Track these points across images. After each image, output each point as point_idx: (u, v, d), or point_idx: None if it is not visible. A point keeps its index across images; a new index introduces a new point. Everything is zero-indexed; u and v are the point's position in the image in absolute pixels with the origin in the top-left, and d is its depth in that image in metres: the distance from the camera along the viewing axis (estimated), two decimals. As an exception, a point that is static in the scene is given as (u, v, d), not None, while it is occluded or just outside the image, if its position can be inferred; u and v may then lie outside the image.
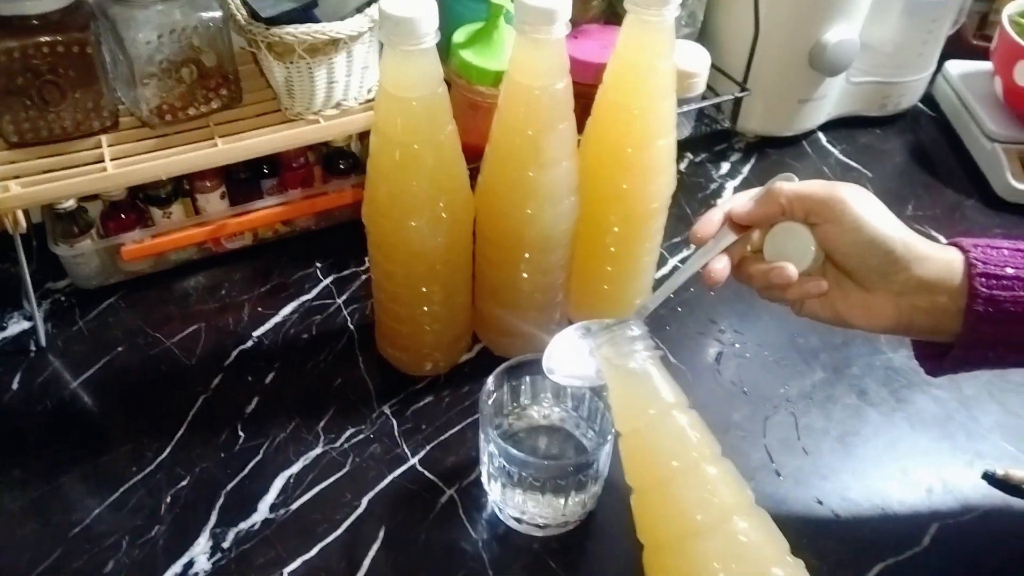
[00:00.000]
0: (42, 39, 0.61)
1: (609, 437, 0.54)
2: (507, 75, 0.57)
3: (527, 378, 0.60)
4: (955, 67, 1.01)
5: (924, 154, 0.98)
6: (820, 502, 0.61)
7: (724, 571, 0.45)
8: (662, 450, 0.48)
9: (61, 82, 0.63)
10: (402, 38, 0.51)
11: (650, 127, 0.61)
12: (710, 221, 0.52)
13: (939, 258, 0.50)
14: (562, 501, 0.55)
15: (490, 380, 0.57)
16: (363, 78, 0.70)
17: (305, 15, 0.64)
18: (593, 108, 0.63)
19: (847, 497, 0.62)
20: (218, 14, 0.65)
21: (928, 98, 1.03)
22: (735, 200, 0.52)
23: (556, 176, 0.59)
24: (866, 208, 0.49)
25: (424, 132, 0.56)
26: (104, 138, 0.67)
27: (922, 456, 0.65)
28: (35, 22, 0.61)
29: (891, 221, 0.50)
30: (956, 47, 1.02)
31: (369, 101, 0.72)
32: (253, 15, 0.64)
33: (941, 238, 0.85)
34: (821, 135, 0.98)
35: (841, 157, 0.96)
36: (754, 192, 0.52)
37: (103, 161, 0.65)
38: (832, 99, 0.96)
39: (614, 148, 0.62)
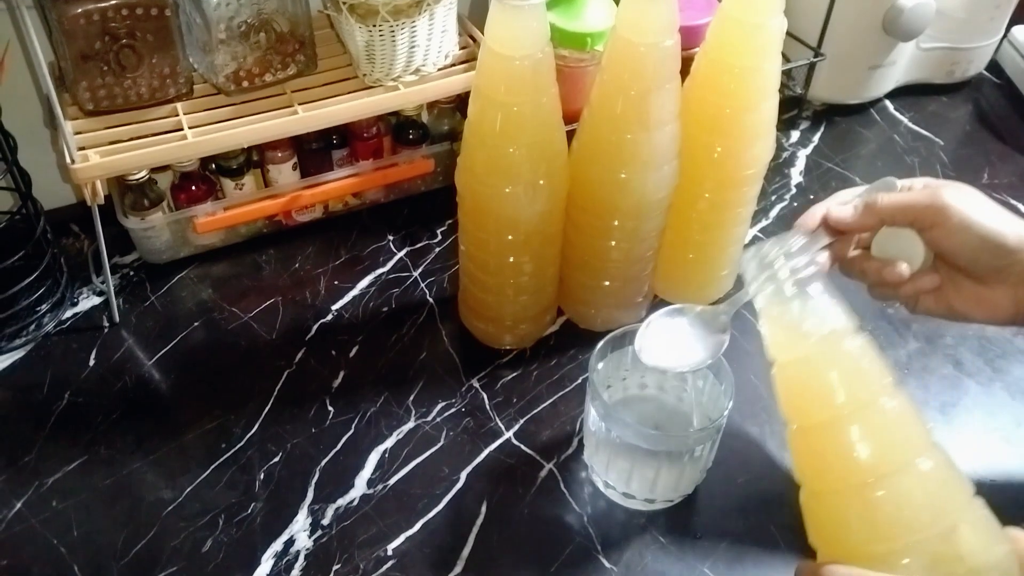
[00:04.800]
0: (120, 1, 0.59)
1: (726, 411, 0.52)
2: (613, 31, 0.54)
3: (630, 349, 0.58)
4: (1022, 32, 0.99)
5: (993, 121, 0.95)
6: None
7: (903, 528, 0.40)
8: (828, 381, 0.42)
9: (138, 46, 0.61)
10: (514, -8, 0.49)
11: (755, 87, 0.59)
12: (813, 216, 0.51)
13: None
14: (675, 474, 0.54)
15: (597, 349, 0.55)
16: (443, 43, 0.68)
17: (390, -26, 0.62)
18: (692, 69, 0.60)
19: (953, 469, 0.60)
20: (296, -25, 0.63)
21: (993, 66, 1.01)
22: (838, 198, 0.51)
23: (658, 140, 0.57)
24: (972, 208, 0.48)
25: (527, 94, 0.53)
26: (180, 106, 0.64)
27: (1025, 426, 0.63)
28: (112, -16, 0.59)
29: (1000, 215, 0.48)
30: (1022, 12, 0.99)
31: (447, 68, 0.70)
32: (335, -25, 0.62)
33: (1021, 206, 0.83)
34: (888, 103, 0.96)
35: (910, 125, 0.93)
36: (856, 193, 0.51)
37: (181, 129, 0.63)
38: (901, 66, 0.93)
39: (713, 110, 0.60)
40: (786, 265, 0.45)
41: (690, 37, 0.61)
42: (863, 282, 0.53)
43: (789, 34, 0.85)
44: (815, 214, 0.50)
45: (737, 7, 0.56)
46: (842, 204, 0.50)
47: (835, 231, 0.50)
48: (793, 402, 0.44)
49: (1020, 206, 0.83)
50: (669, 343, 0.52)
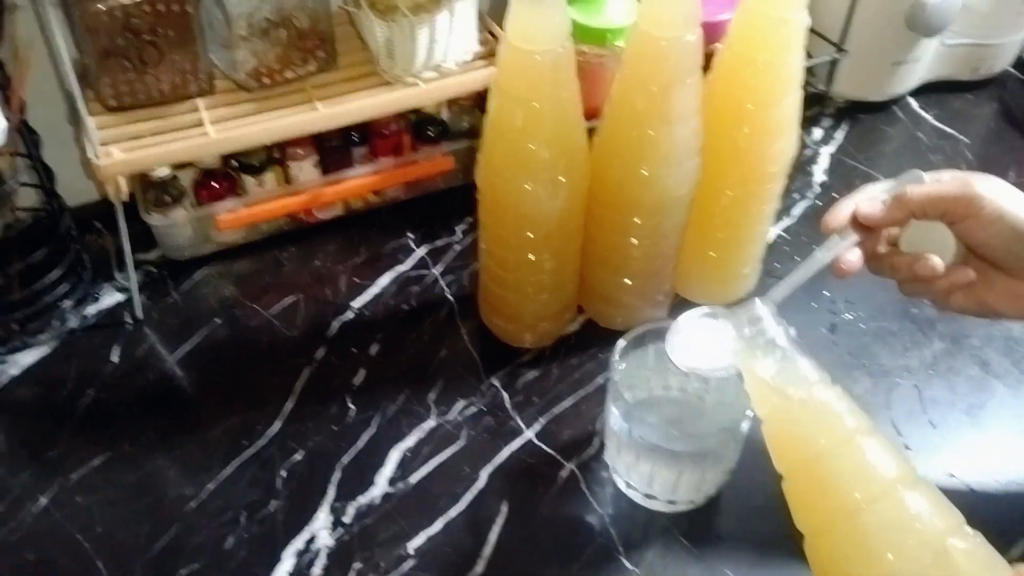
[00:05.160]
0: (142, -2, 0.59)
1: (748, 411, 0.51)
2: (634, 26, 0.54)
3: (651, 347, 0.57)
4: (1050, 28, 0.97)
5: (1019, 119, 0.94)
6: (953, 476, 0.59)
7: (892, 549, 0.42)
8: (808, 428, 0.45)
9: (160, 42, 0.61)
10: (536, -13, 0.48)
11: (778, 82, 0.58)
12: (841, 213, 0.50)
13: None
14: (698, 475, 0.53)
15: (617, 349, 0.54)
16: (463, 39, 0.68)
17: (411, -30, 0.61)
18: (715, 64, 0.60)
19: (980, 470, 0.59)
20: (317, -28, 0.63)
21: (1018, 62, 0.99)
22: (865, 193, 0.50)
23: (680, 135, 0.57)
24: (1005, 199, 0.47)
25: (547, 89, 0.53)
26: (200, 102, 0.65)
27: (1054, 428, 0.62)
28: (134, -19, 0.59)
29: None
30: (1050, 7, 0.98)
31: (467, 64, 0.69)
32: (355, -28, 0.62)
33: (1049, 204, 0.81)
34: (912, 100, 0.94)
35: (935, 123, 0.92)
36: (884, 187, 0.50)
37: (202, 125, 0.63)
38: (925, 62, 0.92)
39: (735, 106, 0.59)
40: (763, 328, 0.46)
41: (712, 32, 0.60)
42: (894, 278, 0.52)
43: (811, 30, 0.84)
44: (843, 211, 0.50)
45: (760, 1, 0.55)
46: (870, 199, 0.49)
47: (864, 228, 0.49)
48: (779, 452, 0.46)
49: (1048, 204, 0.82)
50: (699, 345, 0.52)
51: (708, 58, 0.60)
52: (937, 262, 0.49)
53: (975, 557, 0.41)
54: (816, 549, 0.44)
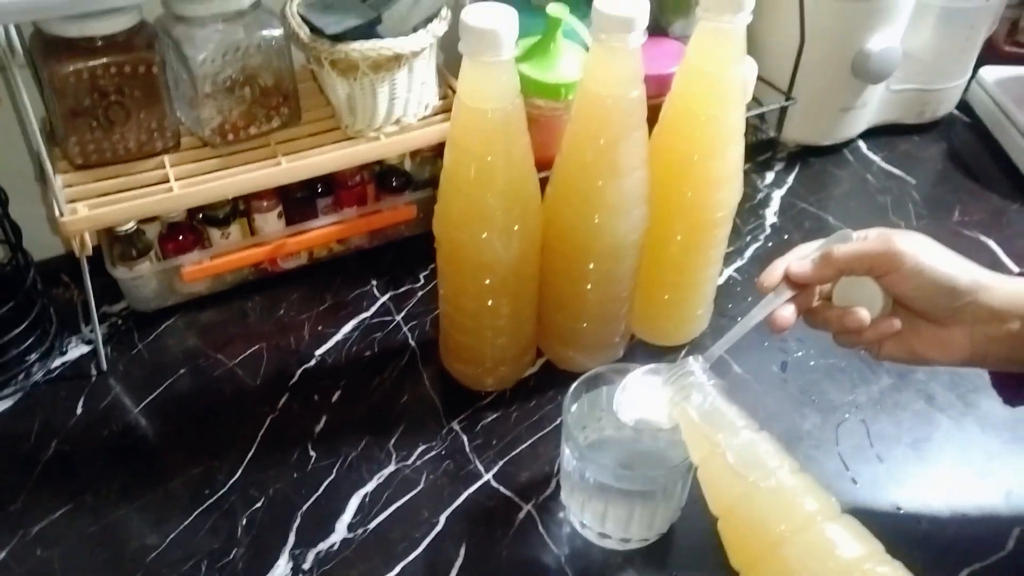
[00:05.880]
0: (109, 60, 0.61)
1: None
2: (581, 84, 0.57)
3: (604, 389, 0.59)
4: (990, 73, 1.02)
5: (964, 160, 0.98)
6: (899, 508, 0.61)
7: (815, 574, 0.44)
8: (736, 468, 0.48)
9: (126, 102, 0.63)
10: (483, 50, 0.51)
11: (720, 135, 0.61)
12: (774, 272, 0.53)
13: (1006, 286, 0.50)
14: (649, 513, 0.55)
15: (571, 391, 0.56)
16: (422, 94, 0.70)
17: (369, 31, 0.64)
18: (660, 117, 0.63)
19: (926, 502, 0.61)
20: (279, 32, 0.65)
21: (963, 105, 1.04)
22: (797, 252, 0.53)
23: (628, 186, 0.59)
24: (924, 253, 0.50)
25: (499, 144, 0.56)
26: (167, 158, 0.67)
27: (996, 459, 0.64)
28: (101, 43, 0.61)
29: (952, 259, 0.50)
30: (989, 53, 1.02)
31: (427, 118, 0.72)
32: (316, 32, 0.64)
33: (991, 242, 0.85)
34: (861, 143, 0.98)
35: (883, 165, 0.96)
36: (815, 246, 0.53)
37: (168, 182, 0.65)
38: (872, 107, 0.96)
39: (682, 157, 0.62)
40: (695, 382, 0.50)
41: (660, 85, 0.64)
42: (828, 331, 0.54)
43: (760, 78, 0.88)
44: (776, 270, 0.52)
45: (699, 57, 0.58)
46: (801, 259, 0.52)
47: (796, 284, 0.52)
48: (712, 493, 0.49)
49: (991, 243, 0.85)
50: (644, 400, 0.54)
51: (656, 110, 0.63)
52: (864, 314, 0.51)
53: None
54: None
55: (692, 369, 0.51)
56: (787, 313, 0.52)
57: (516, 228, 0.59)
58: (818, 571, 0.44)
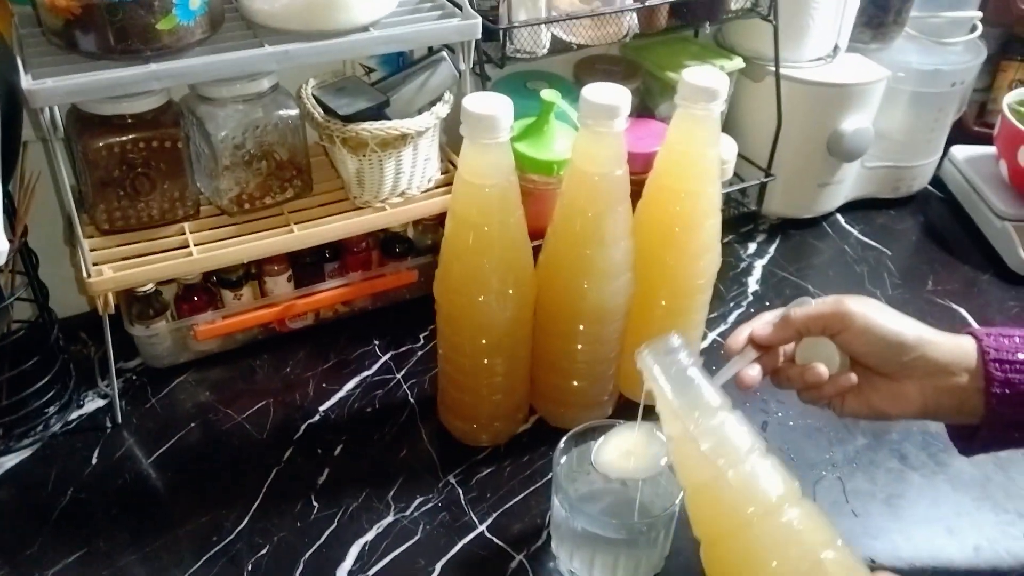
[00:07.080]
0: (138, 135, 0.67)
1: (677, 500, 0.57)
2: (571, 162, 0.62)
3: (593, 444, 0.63)
4: (960, 152, 1.08)
5: (938, 233, 1.03)
6: (874, 562, 0.64)
7: (778, 557, 0.47)
8: (709, 448, 0.50)
9: (152, 174, 0.69)
10: (482, 133, 0.57)
11: (698, 209, 0.66)
12: (739, 336, 0.58)
13: (950, 342, 0.55)
14: (634, 561, 0.58)
15: (561, 445, 0.60)
16: (425, 169, 0.76)
17: (378, 113, 0.70)
18: (644, 192, 0.68)
19: (900, 557, 0.64)
20: (295, 112, 0.71)
21: (936, 181, 1.10)
22: (761, 319, 0.58)
23: (614, 254, 0.64)
24: (871, 313, 0.55)
25: (496, 216, 0.61)
26: (187, 225, 0.72)
27: (966, 516, 0.67)
28: (131, 120, 0.67)
29: (898, 318, 0.55)
30: (959, 133, 1.09)
31: (429, 190, 0.77)
32: (329, 112, 0.70)
33: (963, 311, 0.89)
34: (840, 216, 1.04)
35: (860, 237, 1.01)
36: (776, 313, 0.58)
37: (188, 247, 0.69)
38: (849, 183, 1.02)
39: (664, 228, 0.67)
40: (676, 359, 0.53)
41: (646, 163, 0.69)
42: (791, 388, 0.59)
43: (741, 156, 0.94)
44: (742, 334, 0.57)
45: (678, 139, 0.64)
46: (764, 323, 0.57)
47: (760, 346, 0.57)
48: (683, 472, 0.52)
49: (963, 311, 0.89)
50: (625, 453, 0.58)
51: (641, 185, 0.68)
52: (822, 369, 0.56)
53: (843, 566, 0.47)
54: (712, 556, 0.50)
55: (673, 343, 0.54)
56: (753, 372, 0.56)
57: (511, 292, 0.63)
58: (781, 553, 0.47)
